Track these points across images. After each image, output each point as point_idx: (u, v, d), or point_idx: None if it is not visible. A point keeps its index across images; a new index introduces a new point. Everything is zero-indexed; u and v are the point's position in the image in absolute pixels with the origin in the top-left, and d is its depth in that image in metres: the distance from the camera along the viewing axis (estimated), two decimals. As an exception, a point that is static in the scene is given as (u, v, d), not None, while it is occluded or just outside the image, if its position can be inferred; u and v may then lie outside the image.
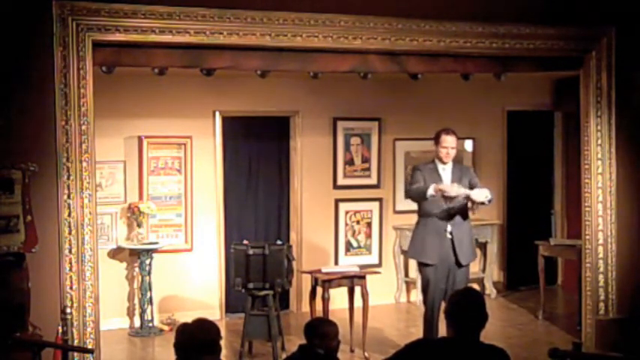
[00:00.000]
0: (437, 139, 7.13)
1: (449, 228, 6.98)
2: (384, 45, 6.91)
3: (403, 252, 9.91)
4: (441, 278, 6.98)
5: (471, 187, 7.03)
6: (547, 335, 8.32)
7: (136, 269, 8.72)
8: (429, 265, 7.02)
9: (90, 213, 6.13)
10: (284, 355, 7.29)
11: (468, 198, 6.90)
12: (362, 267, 8.15)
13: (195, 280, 9.10)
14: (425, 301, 7.14)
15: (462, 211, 7.03)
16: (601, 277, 7.56)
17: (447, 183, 6.97)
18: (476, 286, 9.20)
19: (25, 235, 5.89)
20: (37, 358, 4.84)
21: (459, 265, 7.00)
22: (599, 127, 7.54)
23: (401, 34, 6.90)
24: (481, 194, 6.91)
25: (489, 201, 7.05)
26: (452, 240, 6.98)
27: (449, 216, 6.97)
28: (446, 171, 7.08)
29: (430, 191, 6.82)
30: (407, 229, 9.70)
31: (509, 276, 10.49)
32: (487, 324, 3.89)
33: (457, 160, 7.49)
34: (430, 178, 6.99)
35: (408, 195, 7.41)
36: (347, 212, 9.72)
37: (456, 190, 6.83)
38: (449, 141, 7.06)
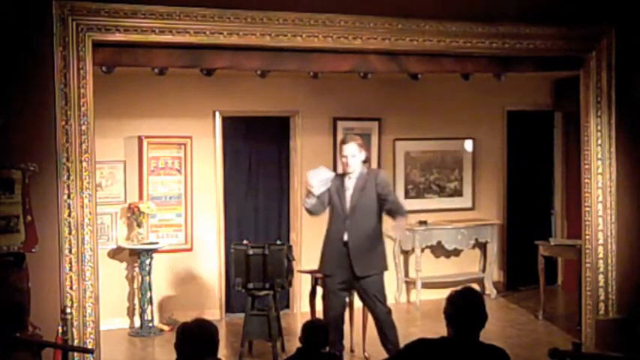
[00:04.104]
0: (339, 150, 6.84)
1: (345, 237, 6.62)
2: (384, 45, 6.91)
3: (403, 252, 9.93)
4: (339, 289, 6.72)
5: (380, 199, 6.63)
6: (547, 335, 8.31)
7: (136, 269, 8.72)
8: (327, 276, 6.81)
9: (90, 213, 6.14)
10: (284, 356, 7.29)
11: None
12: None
13: (195, 280, 9.10)
14: (323, 312, 6.84)
15: (363, 219, 6.64)
16: (601, 277, 7.56)
17: (351, 193, 6.69)
18: (476, 286, 9.19)
19: (25, 235, 5.90)
20: (37, 358, 4.84)
21: (356, 277, 6.62)
22: (599, 127, 7.54)
23: (401, 34, 6.91)
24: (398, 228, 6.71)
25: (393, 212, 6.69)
26: (347, 251, 6.62)
27: (346, 225, 6.64)
28: (351, 180, 6.70)
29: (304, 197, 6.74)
30: (406, 229, 9.71)
31: (509, 276, 10.49)
32: (487, 324, 3.89)
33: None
34: (335, 191, 6.70)
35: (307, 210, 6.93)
36: (347, 212, 9.70)
37: (316, 182, 6.62)
38: (345, 149, 6.67)
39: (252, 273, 7.39)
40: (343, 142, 6.81)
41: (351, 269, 6.64)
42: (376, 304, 6.71)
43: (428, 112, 9.81)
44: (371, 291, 6.69)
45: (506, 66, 7.56)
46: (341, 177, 6.83)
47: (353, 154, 6.69)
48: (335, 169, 9.62)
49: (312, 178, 6.70)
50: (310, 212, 6.88)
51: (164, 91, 8.65)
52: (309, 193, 6.73)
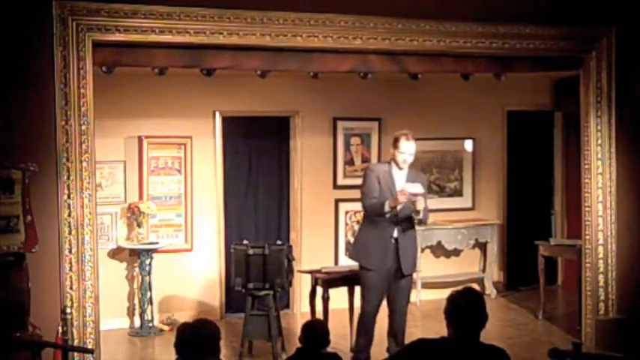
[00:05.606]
0: (395, 143, 6.70)
1: (395, 234, 6.65)
2: (384, 45, 6.92)
3: (403, 252, 9.92)
4: (381, 284, 6.71)
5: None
6: (547, 335, 8.31)
7: (136, 269, 8.72)
8: (369, 270, 6.70)
9: (90, 213, 6.14)
10: (284, 356, 7.29)
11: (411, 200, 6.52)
12: (362, 267, 8.13)
13: (195, 280, 9.10)
14: (363, 307, 6.79)
15: (408, 218, 6.70)
16: (601, 277, 7.57)
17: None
18: (476, 286, 9.19)
19: (25, 235, 5.90)
20: (37, 358, 4.83)
21: (400, 274, 6.69)
22: (599, 127, 7.55)
23: (401, 34, 6.91)
24: (417, 190, 6.50)
25: (420, 220, 6.76)
26: (396, 247, 6.66)
27: (396, 222, 6.64)
28: (400, 175, 6.70)
29: (386, 208, 6.54)
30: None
31: (509, 276, 10.48)
32: (487, 324, 3.89)
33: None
34: (384, 182, 6.66)
35: (365, 209, 6.78)
36: (347, 212, 9.70)
37: (407, 193, 6.46)
38: (408, 147, 6.65)
39: (252, 273, 7.38)
40: (405, 138, 6.66)
41: (397, 266, 6.67)
42: (405, 301, 6.83)
43: (428, 112, 9.81)
44: (406, 289, 6.82)
45: (506, 66, 7.56)
46: (389, 170, 6.75)
47: (412, 152, 6.70)
48: (335, 169, 9.67)
49: (411, 188, 6.50)
50: (367, 210, 6.78)
51: (164, 91, 8.65)
52: (396, 201, 6.52)
